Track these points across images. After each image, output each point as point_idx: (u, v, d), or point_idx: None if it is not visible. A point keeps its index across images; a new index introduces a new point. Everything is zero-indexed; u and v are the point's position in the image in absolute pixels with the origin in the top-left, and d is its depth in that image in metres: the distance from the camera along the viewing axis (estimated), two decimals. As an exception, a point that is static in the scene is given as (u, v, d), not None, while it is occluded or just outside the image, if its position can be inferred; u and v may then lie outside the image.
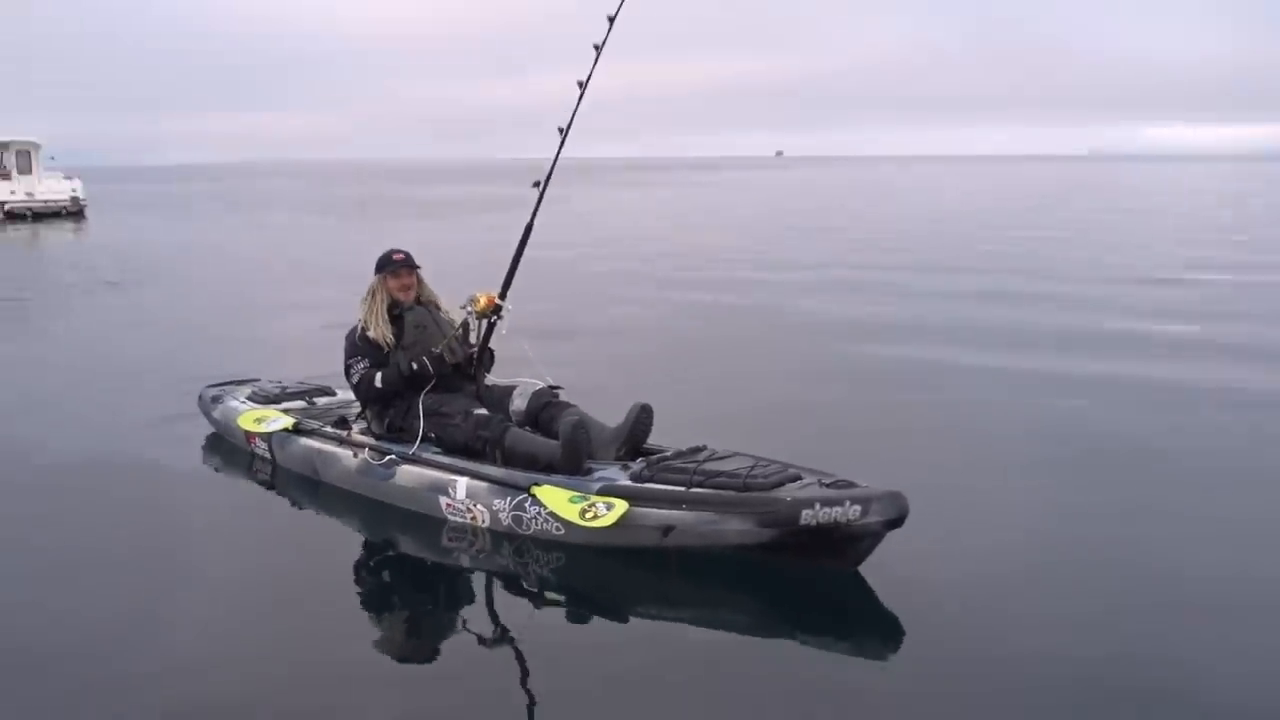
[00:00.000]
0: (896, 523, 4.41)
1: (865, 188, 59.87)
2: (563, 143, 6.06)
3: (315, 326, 11.46)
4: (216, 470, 6.55)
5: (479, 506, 5.20)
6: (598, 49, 6.00)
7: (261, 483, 6.24)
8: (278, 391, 6.94)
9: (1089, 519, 5.45)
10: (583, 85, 5.98)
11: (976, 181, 70.31)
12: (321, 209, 39.16)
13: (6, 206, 34.19)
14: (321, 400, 6.90)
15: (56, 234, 29.59)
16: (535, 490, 4.98)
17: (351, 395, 6.69)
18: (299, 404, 6.77)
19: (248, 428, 6.48)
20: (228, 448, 6.80)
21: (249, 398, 6.90)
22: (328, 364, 8.58)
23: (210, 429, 7.09)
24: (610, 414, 5.58)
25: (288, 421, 6.29)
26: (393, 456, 5.60)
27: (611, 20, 6.00)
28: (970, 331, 11.14)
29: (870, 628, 4.36)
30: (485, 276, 6.19)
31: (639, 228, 27.66)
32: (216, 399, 7.04)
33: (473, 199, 46.30)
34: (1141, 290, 14.32)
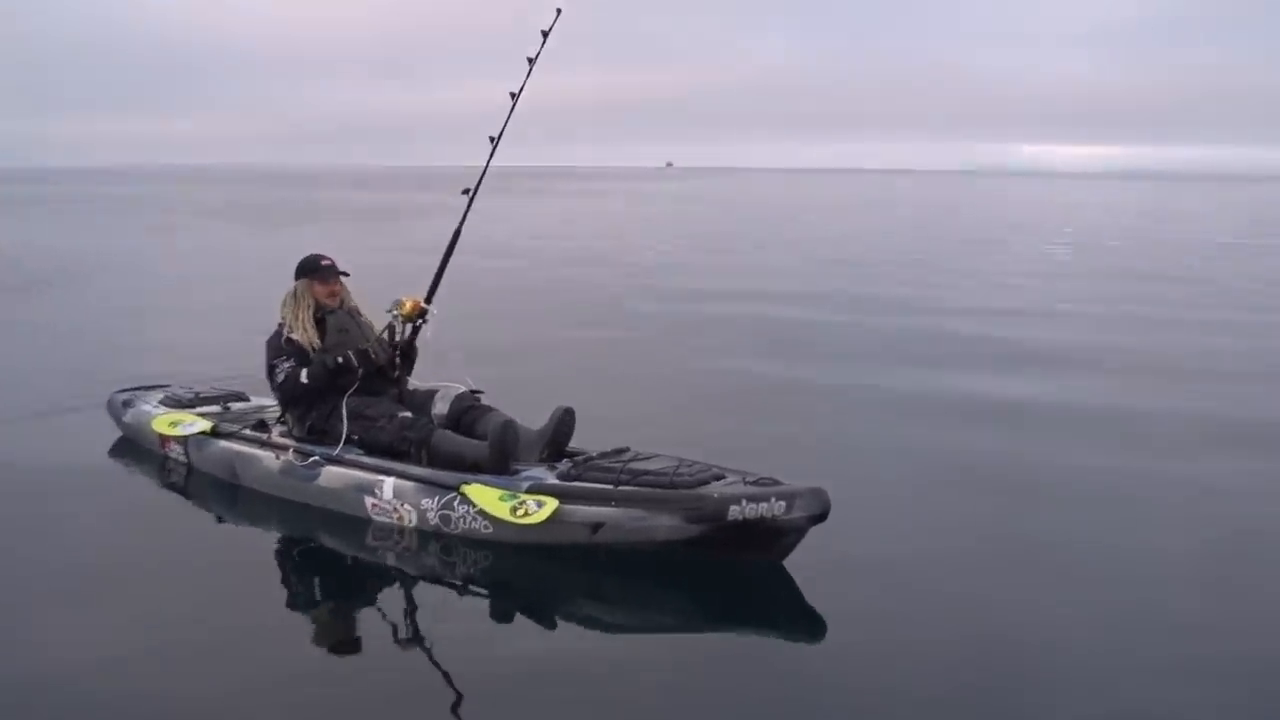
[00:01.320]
0: (820, 518, 4.49)
1: (756, 199, 60.66)
2: (493, 151, 6.14)
3: (221, 333, 11.19)
4: (128, 474, 6.33)
5: (405, 506, 5.14)
6: (531, 61, 6.12)
7: (176, 486, 6.07)
8: (190, 397, 6.75)
9: (1001, 515, 5.60)
10: (515, 96, 6.10)
11: (857, 193, 71.78)
12: (220, 215, 38.13)
13: None
14: (236, 405, 6.74)
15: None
16: (465, 489, 4.94)
17: (267, 400, 6.62)
18: (214, 409, 6.60)
19: (163, 431, 6.29)
20: (138, 451, 6.59)
21: (161, 402, 6.71)
22: (237, 369, 8.45)
23: (119, 434, 6.87)
24: (531, 417, 5.58)
25: (205, 424, 6.13)
26: (316, 457, 5.50)
27: (545, 34, 6.12)
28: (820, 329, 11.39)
29: (795, 620, 4.42)
30: (393, 285, 6.15)
31: (551, 236, 27.58)
32: (127, 403, 6.83)
33: (378, 207, 45.68)
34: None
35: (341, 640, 4.34)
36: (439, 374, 5.97)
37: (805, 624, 4.36)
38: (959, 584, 4.64)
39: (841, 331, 11.74)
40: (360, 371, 5.63)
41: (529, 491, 4.83)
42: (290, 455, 5.60)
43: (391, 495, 5.18)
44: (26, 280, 16.20)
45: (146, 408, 6.65)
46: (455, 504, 4.98)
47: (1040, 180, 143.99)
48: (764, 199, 59.82)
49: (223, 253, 22.32)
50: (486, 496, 4.86)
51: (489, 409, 5.69)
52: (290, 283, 5.94)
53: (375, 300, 5.96)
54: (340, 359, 5.60)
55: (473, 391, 5.83)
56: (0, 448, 6.76)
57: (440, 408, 5.72)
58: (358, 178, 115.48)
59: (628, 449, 5.11)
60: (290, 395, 5.75)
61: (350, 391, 5.66)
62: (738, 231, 29.46)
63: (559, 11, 6.09)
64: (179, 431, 6.20)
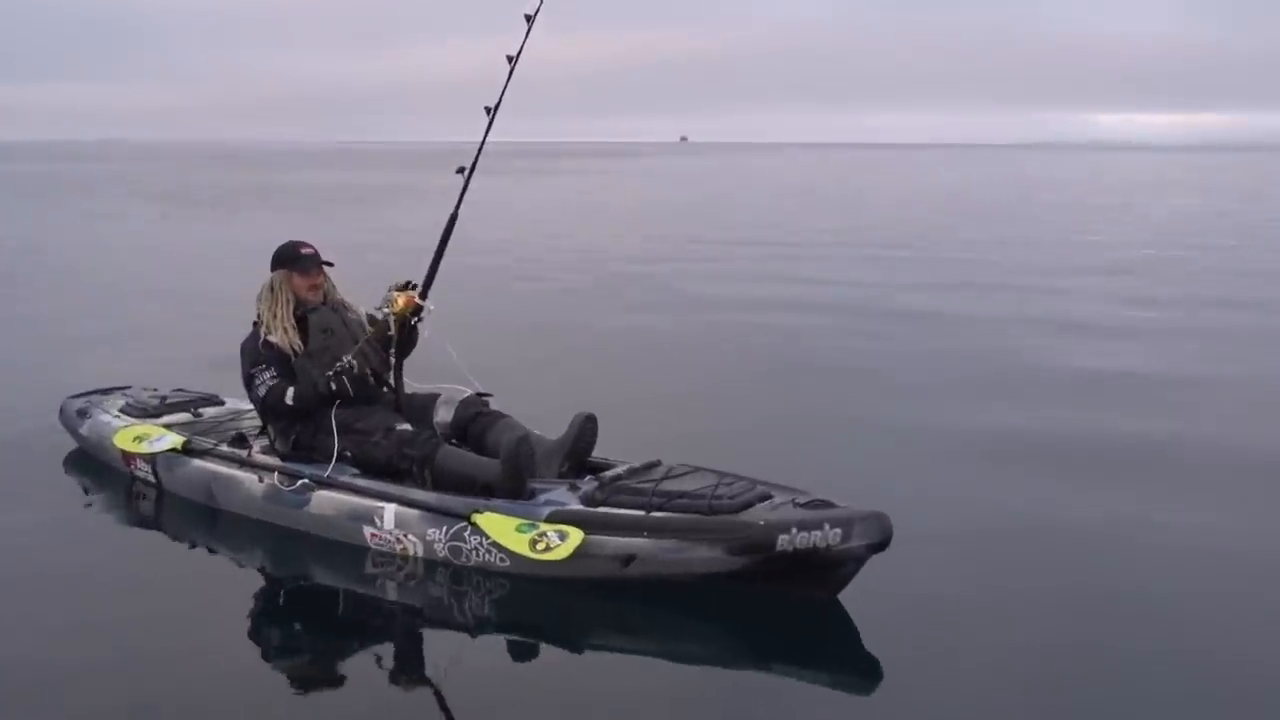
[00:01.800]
0: (881, 546, 4.59)
1: (786, 179, 60.69)
2: (490, 124, 6.12)
3: (181, 328, 11.35)
4: (87, 495, 6.48)
5: (410, 537, 5.25)
6: (529, 19, 6.06)
7: (144, 512, 6.21)
8: (156, 403, 6.84)
9: (1075, 560, 5.61)
10: (513, 60, 6.03)
11: (904, 173, 71.69)
12: (171, 198, 38.37)
13: None
14: (209, 411, 6.85)
15: None
16: (476, 518, 5.04)
17: (243, 405, 6.73)
18: (183, 416, 6.70)
19: (126, 448, 6.39)
20: (97, 468, 6.72)
21: (123, 410, 6.80)
22: (203, 369, 8.60)
23: (74, 445, 7.00)
24: (544, 423, 5.70)
25: (176, 440, 6.21)
26: (306, 480, 5.59)
27: None
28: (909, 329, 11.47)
29: (849, 662, 4.54)
30: (370, 278, 6.21)
31: (552, 221, 27.68)
32: (83, 412, 6.93)
33: (343, 188, 45.78)
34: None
35: (339, 686, 4.45)
36: (439, 375, 6.05)
37: (861, 667, 4.47)
38: (1029, 631, 4.71)
39: (894, 343, 11.82)
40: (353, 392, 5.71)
41: (550, 520, 4.92)
42: (275, 478, 5.69)
43: (393, 525, 5.29)
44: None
45: (106, 418, 6.74)
46: (466, 534, 5.08)
47: (1120, 155, 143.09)
48: (795, 179, 59.80)
49: (177, 240, 22.51)
50: (502, 527, 4.95)
51: (500, 416, 5.78)
52: (265, 274, 5.98)
53: (362, 293, 6.03)
54: (334, 385, 5.65)
55: (479, 395, 5.92)
56: None
57: (443, 415, 5.81)
58: (324, 155, 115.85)
59: (659, 463, 5.23)
60: (273, 412, 5.84)
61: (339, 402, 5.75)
62: (767, 219, 29.48)
63: None
64: (145, 449, 6.28)
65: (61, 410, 7.14)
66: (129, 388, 7.32)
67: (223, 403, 6.98)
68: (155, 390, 7.17)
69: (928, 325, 12.26)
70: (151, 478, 6.32)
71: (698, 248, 20.56)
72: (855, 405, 8.60)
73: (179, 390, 7.18)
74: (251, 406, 6.50)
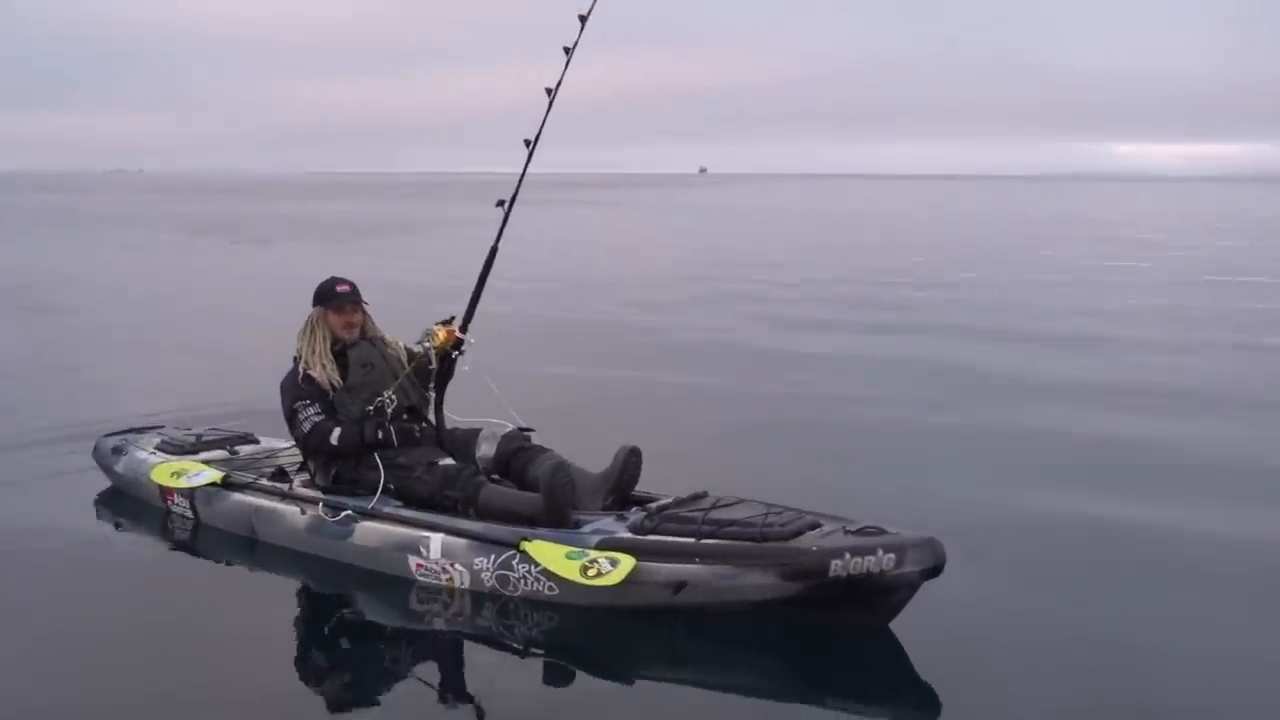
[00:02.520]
0: (934, 572, 4.65)
1: (811, 213, 60.88)
2: (530, 155, 6.27)
3: (208, 366, 11.43)
4: (120, 531, 6.56)
5: (457, 566, 5.30)
6: (568, 51, 6.21)
7: (182, 545, 6.26)
8: (192, 441, 6.92)
9: (1137, 584, 5.65)
10: (552, 92, 6.20)
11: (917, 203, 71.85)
12: (184, 229, 38.67)
13: None
14: (244, 449, 6.92)
15: None
16: (525, 546, 5.09)
17: (279, 442, 6.84)
18: (219, 454, 6.78)
19: (164, 483, 6.48)
20: (133, 505, 6.79)
21: (158, 448, 6.89)
22: (236, 406, 8.69)
23: (107, 483, 7.07)
24: (588, 459, 5.75)
25: (215, 475, 6.30)
26: (350, 512, 5.66)
27: (583, 19, 6.21)
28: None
29: (903, 692, 4.56)
30: (395, 312, 6.25)
31: (576, 256, 27.82)
32: (118, 449, 7.02)
33: (358, 218, 46.15)
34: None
35: (389, 713, 4.48)
36: (479, 410, 6.13)
37: (915, 697, 4.49)
38: (1090, 657, 4.73)
39: (944, 367, 11.92)
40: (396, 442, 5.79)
41: (600, 548, 4.97)
42: (320, 510, 5.76)
43: (440, 554, 5.34)
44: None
45: (142, 455, 6.83)
46: (514, 563, 5.13)
47: (1139, 186, 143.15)
48: (821, 213, 59.90)
49: (206, 274, 22.66)
50: (551, 555, 5.01)
51: (541, 450, 5.84)
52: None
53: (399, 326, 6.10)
54: (380, 434, 5.74)
55: (521, 430, 5.99)
56: None
57: (485, 450, 5.89)
58: (339, 186, 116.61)
59: (705, 494, 5.28)
60: (315, 449, 5.92)
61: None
62: (799, 255, 29.59)
63: None
64: (184, 483, 6.38)
65: (96, 448, 7.23)
66: (162, 426, 7.44)
67: (257, 441, 7.07)
68: (189, 429, 7.27)
69: (963, 359, 12.30)
70: (189, 513, 6.40)
71: (729, 284, 20.61)
72: (895, 438, 8.66)
73: (213, 429, 7.27)
74: (287, 445, 6.64)
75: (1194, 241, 34.15)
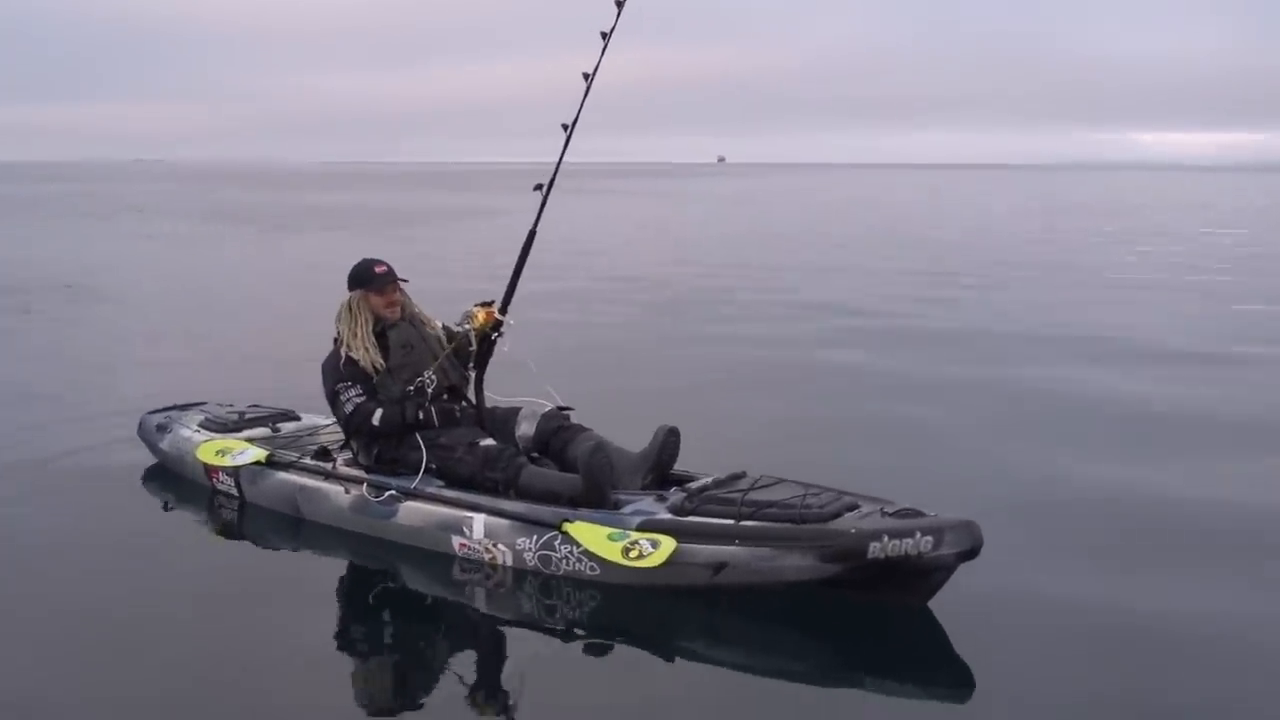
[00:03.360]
0: (971, 554, 4.72)
1: (834, 202, 60.78)
2: (568, 141, 6.30)
3: (245, 345, 11.59)
4: (169, 508, 6.66)
5: (500, 546, 5.41)
6: (605, 36, 6.20)
7: (229, 522, 6.38)
8: (235, 418, 7.02)
9: (1175, 564, 5.74)
10: (589, 77, 6.20)
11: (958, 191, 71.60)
12: (208, 217, 38.89)
13: None
14: (287, 426, 7.02)
15: None
16: (567, 527, 5.19)
17: (320, 418, 6.95)
18: (261, 431, 6.89)
19: (209, 460, 6.59)
20: (178, 483, 6.91)
21: (202, 425, 7.00)
22: (273, 384, 8.82)
23: (152, 460, 7.20)
24: (627, 438, 5.84)
25: (259, 454, 6.40)
26: (394, 492, 5.76)
27: (620, 3, 6.20)
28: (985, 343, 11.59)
29: (939, 670, 4.65)
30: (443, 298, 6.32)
31: (606, 243, 27.91)
32: (162, 427, 7.14)
33: (377, 208, 46.31)
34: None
35: (429, 691, 4.60)
36: (517, 388, 6.25)
37: (952, 675, 4.58)
38: (1122, 636, 4.83)
39: (975, 342, 12.11)
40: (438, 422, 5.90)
41: (641, 529, 5.07)
42: (364, 490, 5.86)
43: (483, 534, 5.45)
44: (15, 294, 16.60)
45: (186, 432, 6.95)
46: (556, 544, 5.23)
47: (1165, 174, 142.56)
48: (842, 202, 59.89)
49: (234, 260, 22.84)
50: (593, 536, 5.11)
51: (580, 429, 5.93)
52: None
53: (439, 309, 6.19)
54: (421, 414, 5.84)
55: (560, 409, 6.09)
56: (20, 488, 6.90)
57: (525, 429, 5.98)
58: (353, 175, 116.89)
59: (744, 474, 5.38)
60: (358, 430, 6.01)
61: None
62: (823, 245, 29.63)
63: None
64: (229, 461, 6.49)
65: (140, 425, 7.36)
66: (204, 403, 7.53)
67: (299, 418, 7.16)
68: (231, 406, 7.35)
69: (995, 348, 12.40)
70: (234, 490, 6.51)
71: (757, 272, 20.68)
72: (931, 424, 8.73)
73: (254, 406, 7.35)
74: (328, 421, 6.74)
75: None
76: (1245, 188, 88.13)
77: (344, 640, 5.03)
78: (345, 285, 6.15)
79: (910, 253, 24.91)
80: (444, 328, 6.22)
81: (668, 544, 4.94)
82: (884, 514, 4.85)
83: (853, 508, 4.96)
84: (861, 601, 4.90)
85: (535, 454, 5.93)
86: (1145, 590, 5.30)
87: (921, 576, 4.79)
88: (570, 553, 5.20)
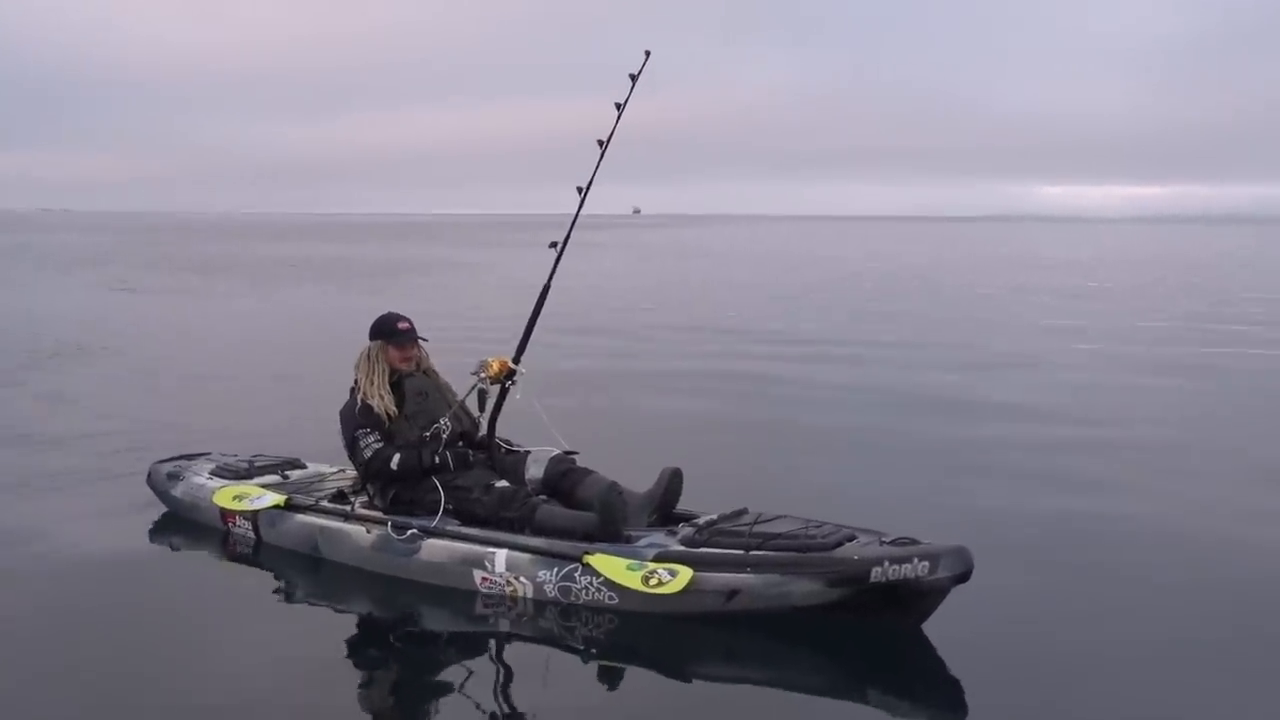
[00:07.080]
0: (963, 578, 5.13)
1: (746, 252, 61.46)
2: (582, 203, 6.81)
3: (245, 398, 11.77)
4: (184, 553, 6.85)
5: (521, 579, 5.71)
6: (619, 107, 6.74)
7: (247, 562, 6.57)
8: (245, 466, 7.24)
9: (1157, 583, 6.21)
10: (603, 144, 6.74)
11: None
12: (150, 267, 38.49)
13: None
14: (294, 473, 7.26)
15: None
16: (588, 559, 5.52)
17: (325, 468, 7.25)
18: (272, 478, 7.13)
19: (226, 505, 6.81)
20: (190, 528, 7.08)
21: (214, 473, 7.21)
22: (273, 434, 9.01)
23: (162, 509, 7.36)
24: (630, 478, 6.17)
25: (278, 498, 6.64)
26: (415, 530, 6.03)
27: (634, 78, 6.76)
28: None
29: (934, 687, 5.05)
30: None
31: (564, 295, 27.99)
32: (174, 475, 7.33)
33: (311, 260, 46.04)
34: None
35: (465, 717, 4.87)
36: (527, 436, 6.59)
37: (946, 693, 4.96)
38: (1107, 653, 5.21)
39: (951, 387, 12.73)
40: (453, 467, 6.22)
41: (658, 560, 5.43)
42: (388, 529, 6.13)
43: (505, 568, 5.75)
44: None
45: (200, 480, 7.17)
46: (577, 575, 5.57)
47: (1074, 226, 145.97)
48: (768, 251, 60.57)
49: (188, 312, 22.59)
50: (613, 566, 5.45)
51: (588, 471, 6.29)
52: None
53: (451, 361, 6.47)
54: (437, 460, 6.17)
55: (567, 453, 6.44)
56: (30, 542, 6.88)
57: (534, 471, 6.33)
58: (288, 227, 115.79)
59: (746, 510, 5.76)
60: (377, 474, 6.29)
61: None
62: (768, 295, 30.07)
63: (648, 54, 6.84)
64: (248, 506, 6.73)
65: (150, 474, 7.53)
66: (209, 453, 7.76)
67: (305, 466, 7.42)
68: (237, 455, 7.59)
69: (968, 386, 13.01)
70: (251, 534, 6.74)
71: (708, 318, 21.10)
72: (909, 454, 9.33)
73: (259, 455, 7.59)
74: (333, 469, 7.08)
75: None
76: (1143, 239, 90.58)
77: (371, 672, 5.33)
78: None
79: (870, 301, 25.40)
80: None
81: (685, 572, 5.29)
82: (881, 543, 5.26)
83: (851, 538, 5.36)
84: (860, 623, 5.26)
85: (544, 495, 6.24)
86: (1133, 609, 5.75)
87: (918, 599, 5.18)
88: (590, 583, 5.52)
